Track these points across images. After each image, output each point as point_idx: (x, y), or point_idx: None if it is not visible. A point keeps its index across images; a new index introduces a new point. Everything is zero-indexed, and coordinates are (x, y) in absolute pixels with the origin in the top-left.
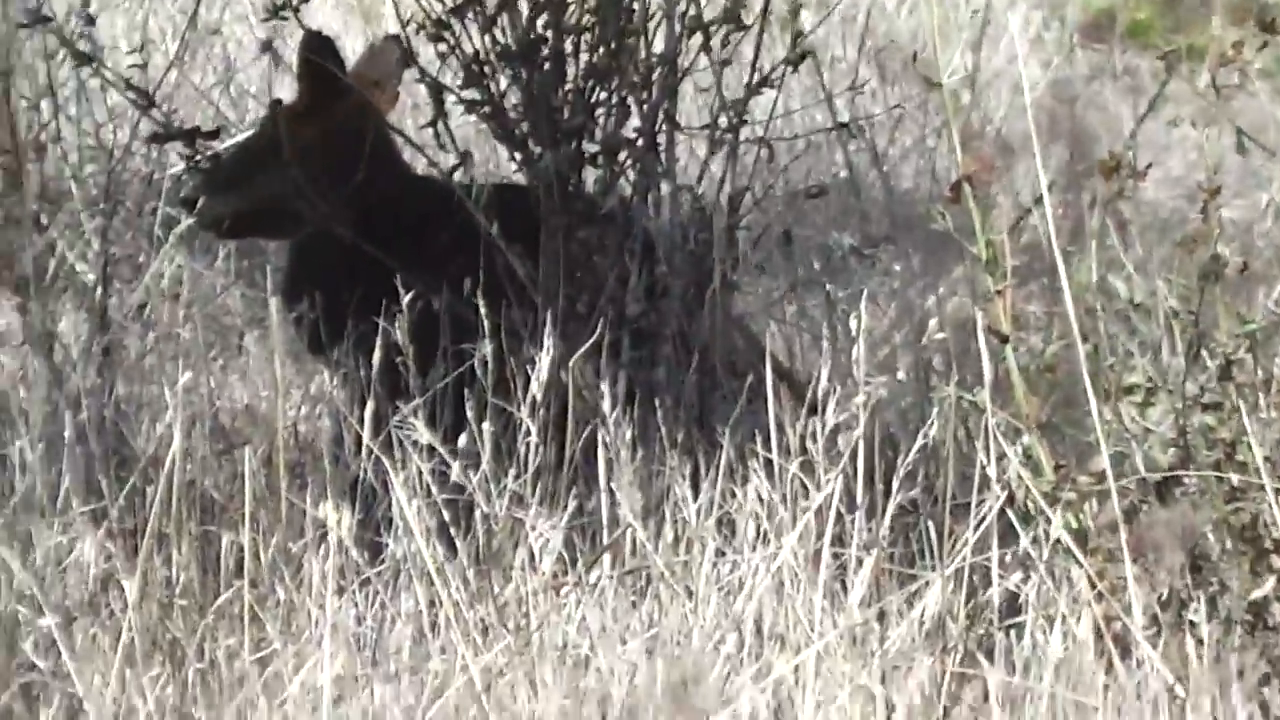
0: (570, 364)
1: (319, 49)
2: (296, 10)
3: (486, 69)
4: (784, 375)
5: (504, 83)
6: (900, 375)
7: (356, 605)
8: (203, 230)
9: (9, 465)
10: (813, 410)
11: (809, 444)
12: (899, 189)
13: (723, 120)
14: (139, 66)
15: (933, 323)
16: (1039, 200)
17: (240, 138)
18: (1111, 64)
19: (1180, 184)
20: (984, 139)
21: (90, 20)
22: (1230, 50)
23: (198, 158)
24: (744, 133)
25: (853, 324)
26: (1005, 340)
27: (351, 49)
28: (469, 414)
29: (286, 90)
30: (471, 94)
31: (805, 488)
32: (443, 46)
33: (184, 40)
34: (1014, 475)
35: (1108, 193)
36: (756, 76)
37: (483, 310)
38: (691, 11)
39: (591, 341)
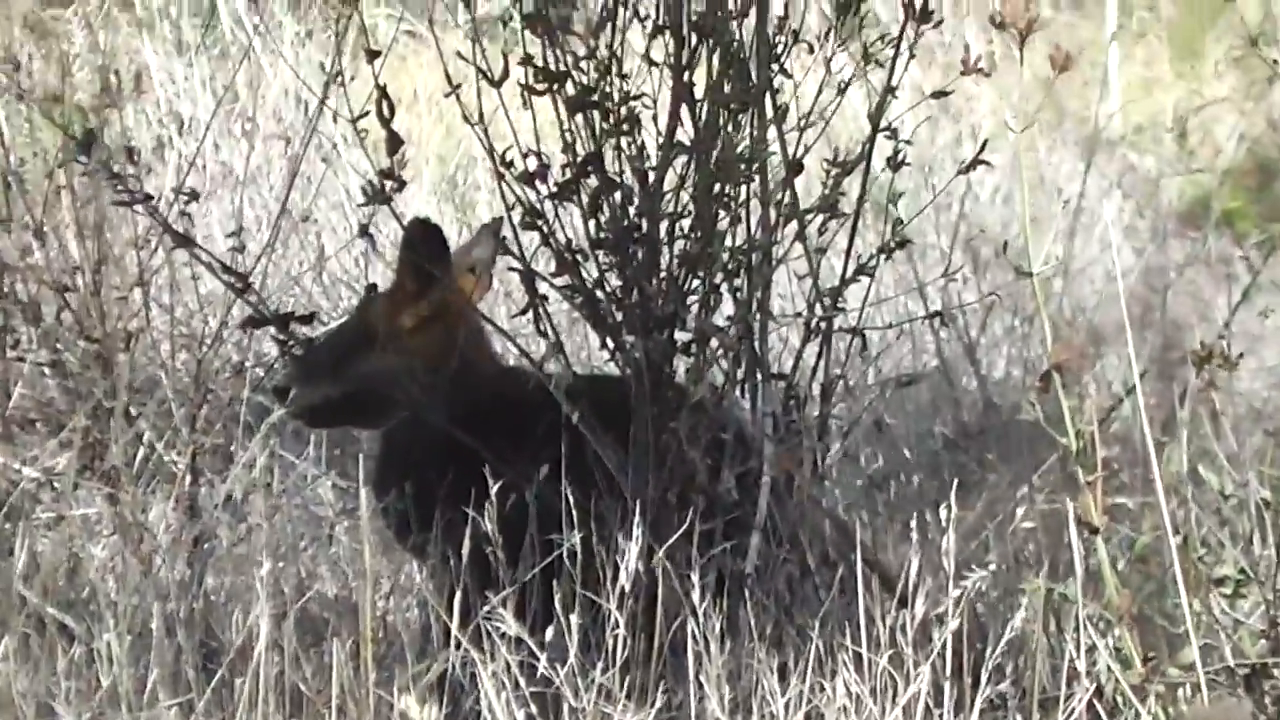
0: (659, 555)
1: (425, 236)
2: (389, 200)
3: (580, 256)
4: (874, 566)
5: (596, 270)
6: (991, 567)
7: None
8: (294, 419)
9: (96, 657)
10: (902, 602)
11: (898, 636)
12: (991, 378)
13: (817, 309)
14: (236, 250)
15: (1019, 512)
16: (1130, 390)
17: (333, 325)
18: (1205, 252)
19: (1274, 374)
20: (1075, 327)
21: (193, 197)
22: None
23: (291, 343)
24: (837, 321)
25: (942, 514)
26: (1096, 532)
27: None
28: (557, 605)
29: (379, 277)
30: (564, 281)
31: (894, 681)
32: (536, 235)
33: (277, 226)
34: (1103, 668)
35: (1199, 383)
36: (852, 265)
37: (571, 500)
38: (787, 199)
39: (681, 532)
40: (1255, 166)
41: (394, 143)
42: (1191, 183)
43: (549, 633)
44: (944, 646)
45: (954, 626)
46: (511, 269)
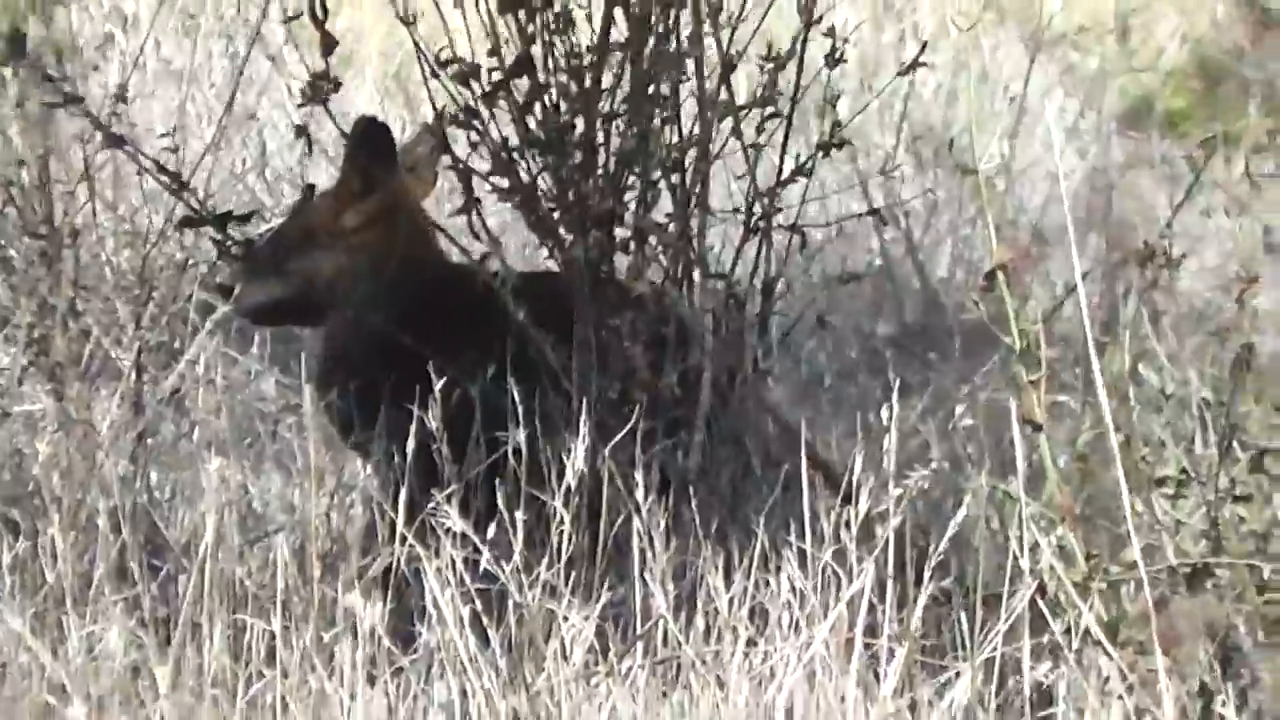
0: (604, 453)
1: (372, 135)
2: (326, 101)
3: (516, 155)
4: (818, 464)
5: (534, 169)
6: (933, 465)
7: (389, 695)
8: (239, 317)
9: (40, 553)
10: (846, 500)
11: (842, 533)
12: (935, 277)
13: (756, 207)
14: (172, 150)
15: (959, 409)
16: (1072, 289)
17: (275, 223)
18: (1149, 152)
19: (1216, 274)
20: (1019, 228)
21: (122, 98)
22: (1265, 138)
23: (229, 243)
24: (778, 219)
25: (883, 414)
26: (1039, 429)
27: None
28: (501, 502)
29: (321, 175)
30: (501, 181)
31: (838, 577)
32: (473, 135)
33: (220, 124)
34: (1046, 565)
35: (1142, 283)
36: (790, 164)
37: (516, 397)
38: (724, 96)
39: (626, 430)
40: (1199, 67)
41: (328, 44)
42: (1134, 82)
43: (493, 529)
44: (886, 544)
45: (896, 524)
46: (449, 168)
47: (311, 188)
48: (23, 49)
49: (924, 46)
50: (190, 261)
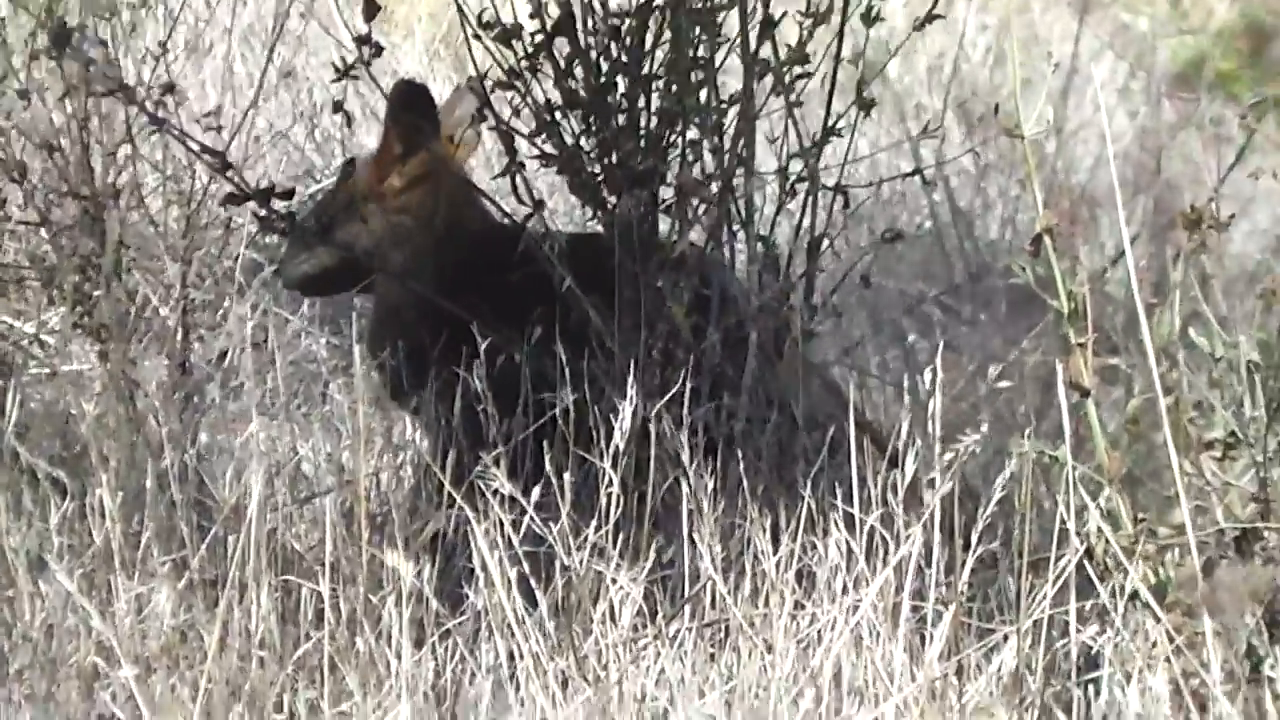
0: (652, 414)
1: (412, 99)
2: (368, 65)
3: (558, 115)
4: (865, 427)
5: (576, 129)
6: (983, 429)
7: (436, 657)
8: (289, 289)
9: (89, 513)
10: (893, 463)
11: (889, 497)
12: (984, 239)
13: (796, 165)
14: (215, 129)
15: (992, 371)
16: (1121, 254)
17: (320, 187)
18: (1199, 115)
19: (1267, 236)
20: (1068, 191)
21: (170, 89)
22: None
23: (272, 217)
24: (825, 179)
25: (927, 376)
26: (1086, 394)
27: (438, 97)
28: (549, 465)
29: (369, 138)
30: (543, 142)
31: (885, 541)
32: (514, 96)
33: (260, 85)
34: (1093, 529)
35: (1190, 246)
36: (830, 123)
37: (562, 360)
38: (766, 53)
39: (674, 392)
40: (1248, 28)
41: (371, 8)
42: (1184, 44)
43: (540, 491)
44: (934, 510)
45: (944, 490)
46: (492, 129)
47: (352, 160)
48: (68, 41)
49: (933, 7)
50: (236, 221)
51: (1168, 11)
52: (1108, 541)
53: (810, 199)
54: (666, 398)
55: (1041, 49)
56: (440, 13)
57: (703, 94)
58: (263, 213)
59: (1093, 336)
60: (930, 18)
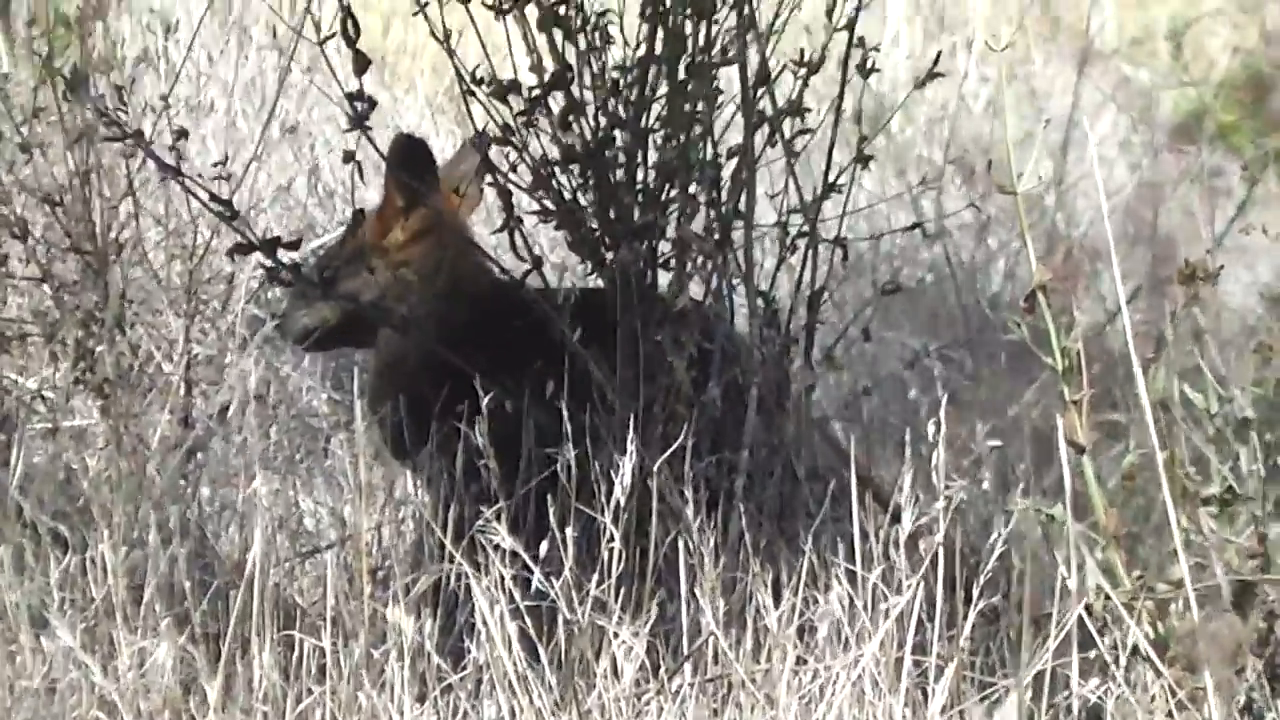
0: (654, 469)
1: (410, 153)
2: (364, 121)
3: (556, 170)
4: (866, 481)
5: (573, 184)
6: (985, 484)
7: (438, 712)
8: (290, 344)
9: (91, 568)
10: (894, 517)
11: (891, 552)
12: (986, 292)
13: (797, 219)
14: (224, 178)
15: (980, 429)
16: (1117, 312)
17: (323, 240)
18: (1199, 167)
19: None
20: (1067, 245)
21: (183, 134)
22: None
23: (279, 268)
24: (824, 232)
25: (930, 430)
26: (1082, 451)
27: (440, 150)
28: (552, 519)
29: (373, 192)
30: (541, 197)
31: (886, 596)
32: (511, 152)
33: (262, 137)
34: (1093, 584)
35: (1183, 299)
36: (832, 177)
37: (565, 414)
38: (765, 105)
39: (676, 446)
40: (1249, 80)
41: (361, 63)
42: (1185, 96)
43: (543, 546)
44: (933, 558)
45: (940, 537)
46: (490, 185)
47: (361, 211)
48: (85, 88)
49: (938, 58)
50: (239, 276)
51: (1169, 63)
52: (1107, 597)
53: (810, 253)
54: (668, 452)
55: (1041, 101)
56: (442, 66)
57: (701, 148)
58: (269, 263)
59: (1091, 392)
60: (931, 75)
